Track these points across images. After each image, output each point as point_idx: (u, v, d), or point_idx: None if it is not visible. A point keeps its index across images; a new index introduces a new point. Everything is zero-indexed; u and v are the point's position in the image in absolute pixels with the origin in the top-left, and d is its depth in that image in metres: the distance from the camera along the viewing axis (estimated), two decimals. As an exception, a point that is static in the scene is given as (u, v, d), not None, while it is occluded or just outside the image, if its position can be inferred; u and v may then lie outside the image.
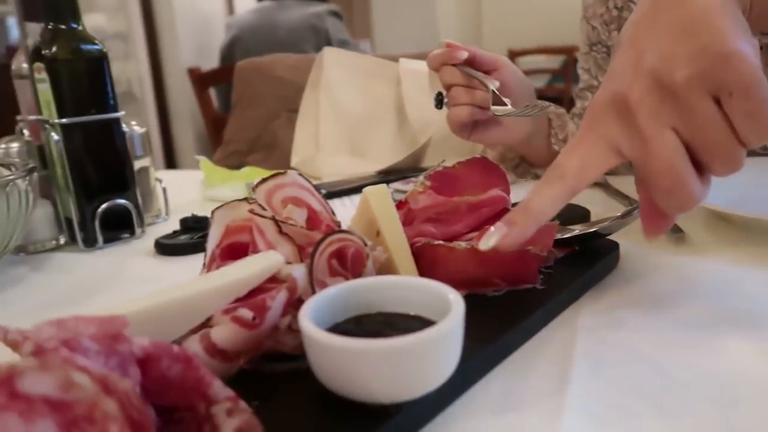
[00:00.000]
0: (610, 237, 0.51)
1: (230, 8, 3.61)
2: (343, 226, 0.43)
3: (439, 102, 0.72)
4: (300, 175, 0.43)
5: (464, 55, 0.68)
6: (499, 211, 0.49)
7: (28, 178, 0.58)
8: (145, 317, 0.33)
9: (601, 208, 0.68)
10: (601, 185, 0.78)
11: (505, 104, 0.65)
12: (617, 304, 0.45)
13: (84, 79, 0.66)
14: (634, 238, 0.56)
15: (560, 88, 3.93)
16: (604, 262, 0.48)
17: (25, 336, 0.27)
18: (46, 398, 0.20)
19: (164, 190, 0.81)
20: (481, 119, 0.70)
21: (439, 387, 0.31)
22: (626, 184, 0.76)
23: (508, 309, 0.40)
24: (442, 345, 0.30)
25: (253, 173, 0.96)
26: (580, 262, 0.47)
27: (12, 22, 3.22)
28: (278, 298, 0.34)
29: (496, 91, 0.66)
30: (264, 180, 0.42)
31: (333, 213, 0.43)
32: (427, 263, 0.43)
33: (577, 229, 0.49)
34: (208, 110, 2.31)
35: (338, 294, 0.34)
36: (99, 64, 0.66)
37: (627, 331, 0.41)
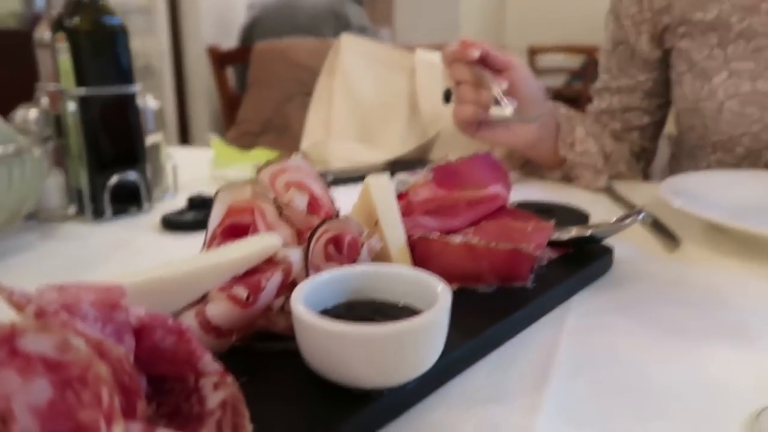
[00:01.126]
0: (605, 242, 0.52)
1: (253, -12, 3.60)
2: (345, 213, 0.44)
3: (447, 97, 0.73)
4: (304, 160, 0.44)
5: (476, 54, 0.68)
6: (497, 209, 0.50)
7: (43, 146, 0.59)
8: (143, 290, 0.34)
9: (603, 212, 0.69)
10: (606, 190, 0.78)
11: (505, 107, 0.66)
12: (606, 307, 0.45)
13: (103, 52, 0.67)
14: (630, 243, 0.57)
15: (578, 89, 3.89)
16: (595, 265, 0.49)
17: (29, 299, 0.29)
18: (44, 357, 0.21)
19: (174, 166, 0.82)
20: (487, 119, 0.71)
21: (421, 376, 0.32)
22: (631, 191, 0.77)
23: (497, 305, 0.41)
24: (425, 334, 0.31)
25: (262, 155, 0.97)
26: (572, 264, 0.48)
27: (37, -10, 3.24)
28: (273, 279, 0.35)
29: (499, 94, 0.66)
30: (269, 163, 0.43)
31: (333, 200, 0.44)
32: (422, 255, 0.44)
33: (573, 232, 0.50)
34: (225, 89, 2.33)
35: (331, 279, 0.35)
36: (119, 37, 0.68)
37: (612, 334, 0.42)
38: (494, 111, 0.67)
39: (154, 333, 0.28)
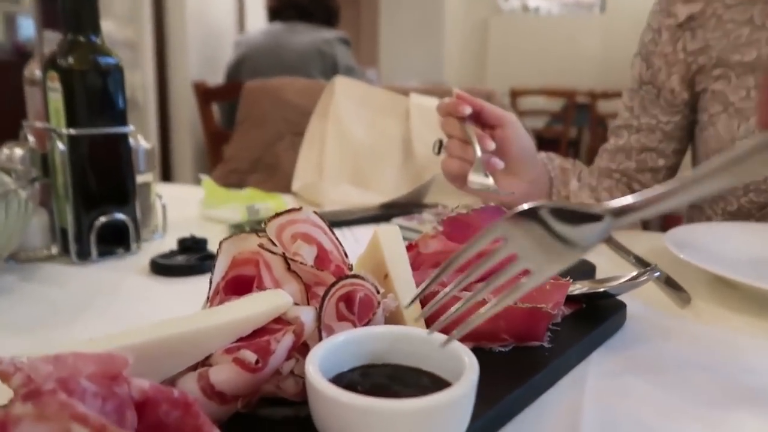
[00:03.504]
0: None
1: (241, 26, 3.63)
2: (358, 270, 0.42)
3: (438, 148, 0.72)
4: (315, 213, 0.42)
5: (467, 111, 0.68)
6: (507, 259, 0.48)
7: (29, 186, 0.56)
8: (142, 351, 0.31)
9: (605, 261, 0.67)
10: (607, 240, 0.77)
11: (486, 176, 0.66)
12: (624, 368, 0.44)
13: (98, 92, 0.65)
14: (640, 298, 0.56)
15: (558, 130, 3.97)
16: (610, 322, 0.47)
17: (18, 368, 0.26)
18: (42, 450, 0.19)
19: (164, 207, 0.79)
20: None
21: (446, 451, 0.30)
22: (630, 240, 0.76)
23: (516, 367, 0.39)
24: (453, 410, 0.29)
25: (254, 195, 0.95)
26: (587, 320, 0.46)
27: (21, 22, 3.23)
28: (283, 342, 0.33)
29: (478, 158, 0.66)
30: (278, 214, 0.41)
31: (346, 255, 0.42)
32: (434, 311, 0.42)
33: (586, 287, 0.49)
34: (210, 125, 2.31)
35: (346, 342, 0.33)
36: (114, 77, 0.66)
37: (635, 399, 0.40)
38: (472, 178, 0.67)
39: (158, 407, 0.26)
